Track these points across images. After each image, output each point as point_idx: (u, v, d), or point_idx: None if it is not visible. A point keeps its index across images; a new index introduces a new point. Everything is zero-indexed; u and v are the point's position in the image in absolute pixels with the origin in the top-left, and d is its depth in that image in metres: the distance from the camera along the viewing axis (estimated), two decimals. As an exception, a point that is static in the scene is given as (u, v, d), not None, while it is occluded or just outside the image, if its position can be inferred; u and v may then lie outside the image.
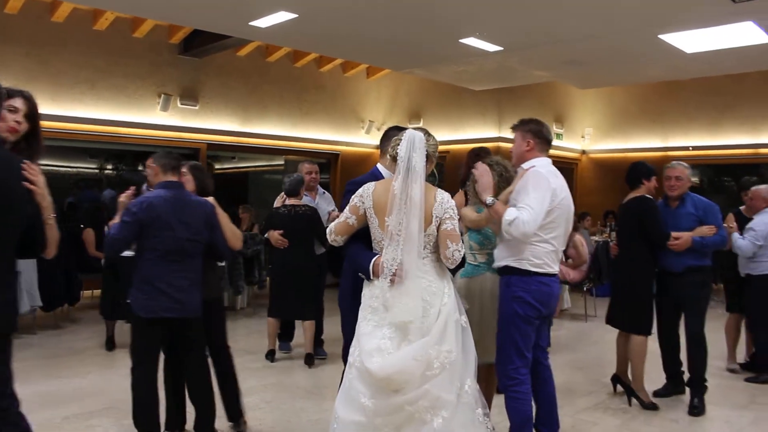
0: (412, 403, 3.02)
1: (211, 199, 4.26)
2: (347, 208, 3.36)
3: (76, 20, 9.44)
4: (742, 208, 6.40)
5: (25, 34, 9.12)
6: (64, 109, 9.40)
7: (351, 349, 3.24)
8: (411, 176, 3.18)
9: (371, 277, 3.26)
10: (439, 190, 3.31)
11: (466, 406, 3.13)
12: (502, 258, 3.79)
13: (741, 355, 6.49)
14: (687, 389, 5.29)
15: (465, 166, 4.71)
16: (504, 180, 4.02)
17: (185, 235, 3.89)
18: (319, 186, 6.94)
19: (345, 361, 3.35)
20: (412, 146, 3.22)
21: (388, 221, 3.19)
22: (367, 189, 3.32)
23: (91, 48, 9.69)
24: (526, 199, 3.60)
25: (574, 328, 8.65)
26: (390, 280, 3.16)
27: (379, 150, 3.86)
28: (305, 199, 6.40)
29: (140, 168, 6.19)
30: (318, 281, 6.47)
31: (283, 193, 6.36)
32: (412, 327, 3.11)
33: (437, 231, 3.22)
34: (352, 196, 3.35)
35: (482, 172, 3.86)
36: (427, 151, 3.27)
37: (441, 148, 11.49)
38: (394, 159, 3.26)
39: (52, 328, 7.82)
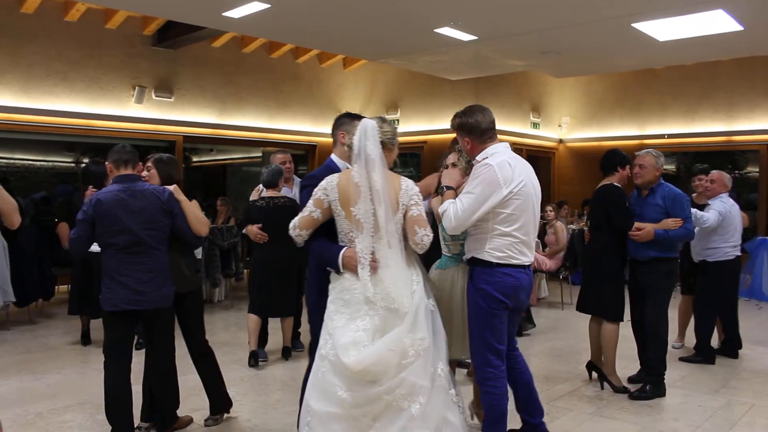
0: (389, 393, 3.03)
1: (172, 186, 4.20)
2: (311, 201, 3.33)
3: (47, 11, 9.32)
4: (693, 195, 6.47)
5: (-5, 27, 8.98)
6: (36, 102, 9.29)
7: (321, 342, 3.22)
8: (368, 165, 3.19)
9: (341, 270, 3.25)
10: (402, 177, 3.31)
11: (440, 389, 3.16)
12: (468, 250, 3.74)
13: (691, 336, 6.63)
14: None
15: (444, 154, 4.70)
16: (471, 167, 3.88)
17: (137, 227, 3.87)
18: (295, 176, 6.88)
19: (312, 356, 3.35)
20: (364, 135, 3.22)
21: (355, 211, 3.19)
22: (331, 181, 3.30)
23: (63, 40, 9.57)
24: (463, 192, 3.57)
25: (551, 316, 8.71)
26: (370, 269, 3.17)
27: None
28: (284, 191, 6.20)
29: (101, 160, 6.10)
30: (300, 276, 6.26)
31: (260, 185, 6.18)
32: (388, 315, 3.12)
33: (404, 218, 3.23)
34: (315, 190, 3.33)
35: (451, 163, 3.89)
36: (382, 139, 3.25)
37: (418, 138, 11.48)
38: (350, 149, 3.27)
39: (26, 323, 7.75)
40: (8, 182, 9.52)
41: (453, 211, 3.50)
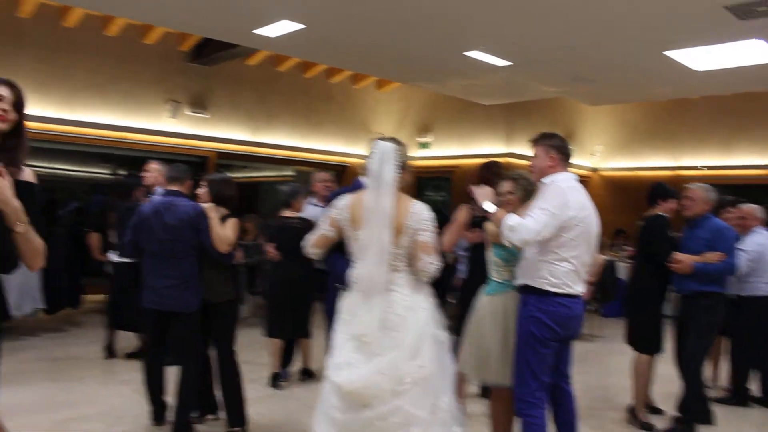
0: (382, 419, 2.98)
1: (207, 205, 4.43)
2: (326, 220, 3.36)
3: (88, 26, 9.53)
4: None
5: (38, 39, 9.21)
6: (75, 113, 9.47)
7: (328, 362, 3.22)
8: (382, 188, 3.16)
9: (346, 289, 3.27)
10: (415, 201, 3.26)
11: (441, 423, 3.08)
12: (520, 276, 3.68)
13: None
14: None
15: (476, 180, 4.63)
16: (528, 195, 3.89)
17: (165, 237, 4.27)
18: (331, 195, 6.82)
19: None
20: (382, 158, 3.20)
21: (360, 232, 3.18)
22: (344, 201, 3.31)
23: (102, 54, 9.77)
24: (534, 209, 3.53)
25: (580, 349, 8.47)
26: (362, 292, 3.15)
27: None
28: (313, 209, 6.14)
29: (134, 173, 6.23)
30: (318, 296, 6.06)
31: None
32: (385, 340, 3.08)
33: (413, 243, 3.17)
34: (331, 209, 3.35)
35: (475, 188, 3.85)
36: (399, 161, 3.24)
37: (450, 162, 11.47)
38: (367, 170, 3.26)
39: (54, 331, 7.83)
40: (53, 192, 9.70)
41: (530, 222, 3.45)
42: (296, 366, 6.28)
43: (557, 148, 3.74)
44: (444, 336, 3.24)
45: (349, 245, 3.30)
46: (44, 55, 9.25)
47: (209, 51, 10.22)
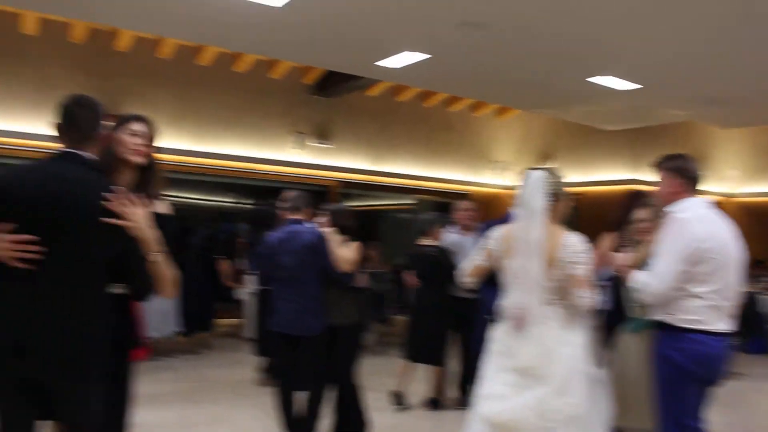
0: None
1: (327, 230, 4.67)
2: (480, 250, 3.37)
3: (219, 63, 10.04)
4: None
5: (174, 77, 9.81)
6: (206, 146, 9.96)
7: (476, 393, 3.21)
8: (532, 218, 3.13)
9: (496, 320, 3.25)
10: (568, 232, 3.19)
11: None
12: (655, 311, 3.40)
13: None
14: None
15: (621, 209, 4.48)
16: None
17: (289, 263, 4.42)
18: (478, 224, 6.74)
19: None
20: (532, 188, 3.18)
21: (511, 264, 3.15)
22: (497, 232, 3.32)
23: (232, 89, 10.26)
24: (657, 259, 3.29)
25: (721, 388, 8.03)
26: (513, 324, 3.10)
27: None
28: (454, 238, 6.12)
29: (272, 203, 6.45)
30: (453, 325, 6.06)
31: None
32: (535, 373, 3.02)
33: (565, 276, 3.09)
34: (486, 239, 3.35)
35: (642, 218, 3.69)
36: (550, 189, 3.19)
37: (573, 190, 11.18)
38: (520, 202, 3.23)
39: (189, 353, 8.17)
40: (185, 219, 10.21)
41: (647, 282, 3.25)
42: (421, 393, 6.24)
43: (682, 171, 3.40)
44: (599, 374, 3.14)
45: (501, 276, 3.28)
46: (179, 92, 9.81)
47: (332, 83, 10.53)
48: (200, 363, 7.76)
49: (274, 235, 4.63)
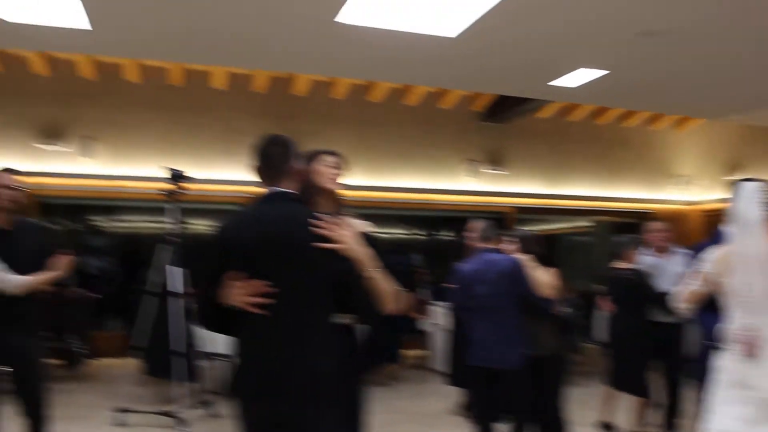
0: None
1: (523, 257, 4.58)
2: (695, 274, 3.14)
3: (390, 98, 10.27)
4: None
5: (349, 115, 10.17)
6: (381, 179, 10.19)
7: (704, 428, 2.97)
8: (749, 231, 2.88)
9: (720, 347, 2.99)
10: None
11: None
12: None
13: None
14: None
15: None
16: None
17: (485, 293, 4.35)
18: (673, 246, 6.37)
19: None
20: (745, 199, 2.94)
21: (732, 283, 2.89)
22: (712, 253, 3.08)
23: (403, 122, 10.47)
24: None
25: None
26: (743, 350, 2.81)
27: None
28: (649, 260, 5.82)
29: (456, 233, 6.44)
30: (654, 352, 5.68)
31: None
32: (759, 405, 2.72)
33: None
34: (700, 262, 3.12)
35: None
36: (765, 200, 2.94)
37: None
38: (733, 216, 3.00)
39: (378, 384, 8.23)
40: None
41: None
42: (626, 424, 5.89)
43: None
44: None
45: (722, 300, 3.03)
46: (354, 129, 10.12)
47: (502, 109, 10.42)
48: (390, 395, 7.80)
49: (467, 266, 4.60)
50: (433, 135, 10.63)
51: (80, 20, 5.64)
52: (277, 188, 2.46)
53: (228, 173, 9.34)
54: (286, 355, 2.27)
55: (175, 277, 6.01)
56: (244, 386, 2.32)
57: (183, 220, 6.32)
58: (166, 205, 6.11)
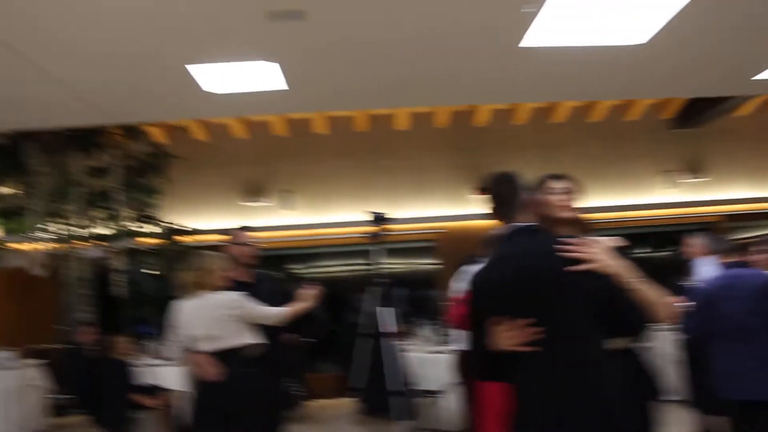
0: None
1: None
2: None
3: (573, 117, 10.02)
4: None
5: (532, 139, 10.03)
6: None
7: None
8: None
9: None
10: None
11: None
12: None
13: None
14: None
15: None
16: None
17: (736, 312, 3.88)
18: None
19: None
20: None
21: None
22: None
23: (589, 138, 10.17)
24: None
25: None
26: None
27: None
28: None
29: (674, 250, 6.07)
30: None
31: None
32: None
33: None
34: None
35: None
36: None
37: None
38: None
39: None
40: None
41: None
42: None
43: None
44: None
45: None
46: (536, 153, 9.86)
47: (696, 112, 9.79)
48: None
49: (709, 283, 4.25)
50: (622, 149, 10.21)
51: (278, 82, 6.00)
52: (516, 224, 2.43)
53: (418, 211, 9.51)
54: (571, 388, 2.18)
55: (386, 318, 6.13)
56: (531, 428, 2.26)
57: (385, 261, 6.46)
58: (371, 248, 6.27)
